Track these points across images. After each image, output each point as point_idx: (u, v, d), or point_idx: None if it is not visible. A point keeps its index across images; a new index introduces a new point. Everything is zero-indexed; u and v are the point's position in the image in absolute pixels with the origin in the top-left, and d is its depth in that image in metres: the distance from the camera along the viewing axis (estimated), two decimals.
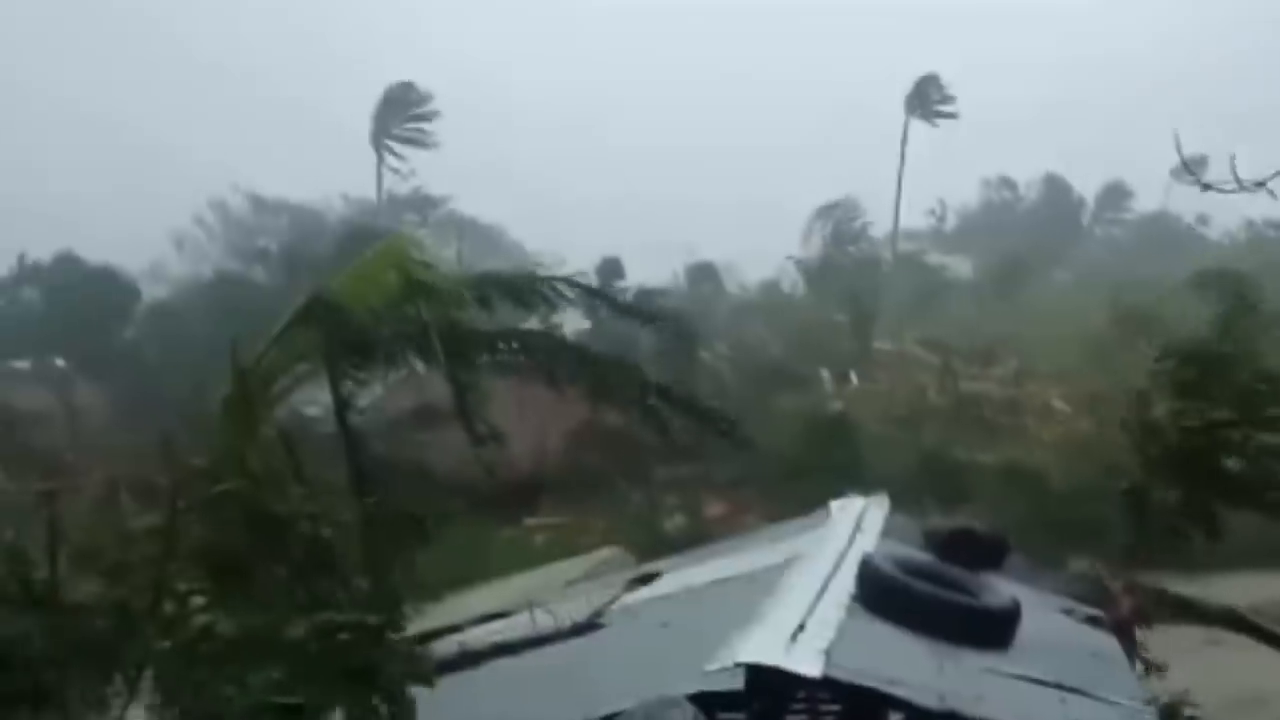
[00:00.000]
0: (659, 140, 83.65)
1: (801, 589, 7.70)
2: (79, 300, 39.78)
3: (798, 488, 17.94)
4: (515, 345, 9.93)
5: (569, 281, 10.65)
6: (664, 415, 10.25)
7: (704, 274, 54.37)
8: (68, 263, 42.58)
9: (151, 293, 46.09)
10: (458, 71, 79.89)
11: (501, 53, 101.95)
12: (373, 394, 26.21)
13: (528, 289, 10.19)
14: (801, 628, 6.69)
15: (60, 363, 35.06)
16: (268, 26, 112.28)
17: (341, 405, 8.81)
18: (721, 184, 77.64)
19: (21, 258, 43.66)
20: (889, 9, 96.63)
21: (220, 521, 6.43)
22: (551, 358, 10.43)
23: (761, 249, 56.33)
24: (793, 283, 56.20)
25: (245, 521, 6.41)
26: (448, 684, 6.25)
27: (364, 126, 63.27)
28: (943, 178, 70.72)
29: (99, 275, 41.87)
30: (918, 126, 68.20)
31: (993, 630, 7.56)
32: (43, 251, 44.00)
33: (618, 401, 10.57)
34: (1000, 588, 8.34)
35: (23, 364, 35.32)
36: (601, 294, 11.39)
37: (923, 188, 69.41)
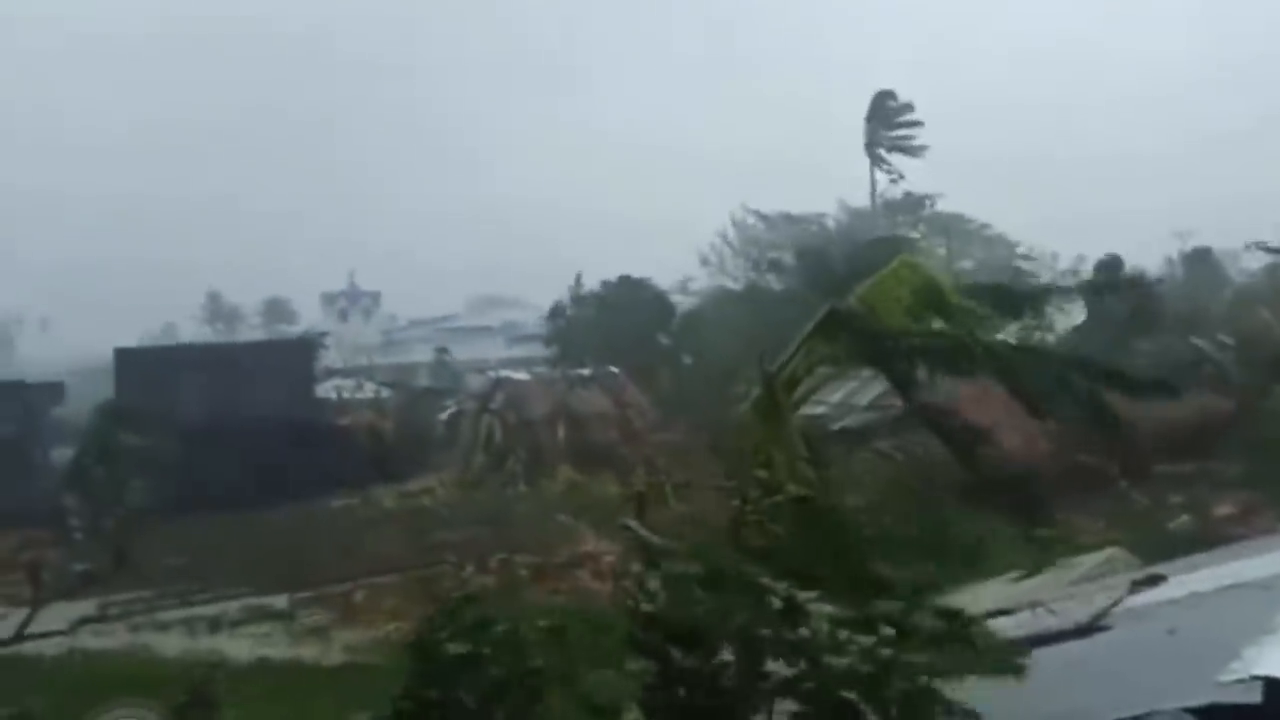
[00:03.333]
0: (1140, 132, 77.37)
1: None
2: (629, 314, 43.49)
3: None
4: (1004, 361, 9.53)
5: (1070, 291, 9.99)
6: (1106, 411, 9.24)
7: (1200, 260, 49.46)
8: (620, 282, 46.35)
9: (682, 304, 49.21)
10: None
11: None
12: (874, 392, 26.49)
13: (1028, 302, 9.75)
14: None
15: (614, 369, 38.21)
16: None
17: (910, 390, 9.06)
18: (1209, 169, 70.52)
19: (579, 277, 47.99)
20: None
21: (782, 524, 6.84)
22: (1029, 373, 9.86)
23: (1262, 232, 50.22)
24: None
25: (801, 525, 6.78)
26: None
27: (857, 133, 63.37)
28: None
29: (644, 291, 45.44)
30: None
31: None
32: (596, 273, 48.31)
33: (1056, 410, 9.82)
34: None
35: (585, 371, 38.93)
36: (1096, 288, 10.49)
37: None
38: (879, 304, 8.84)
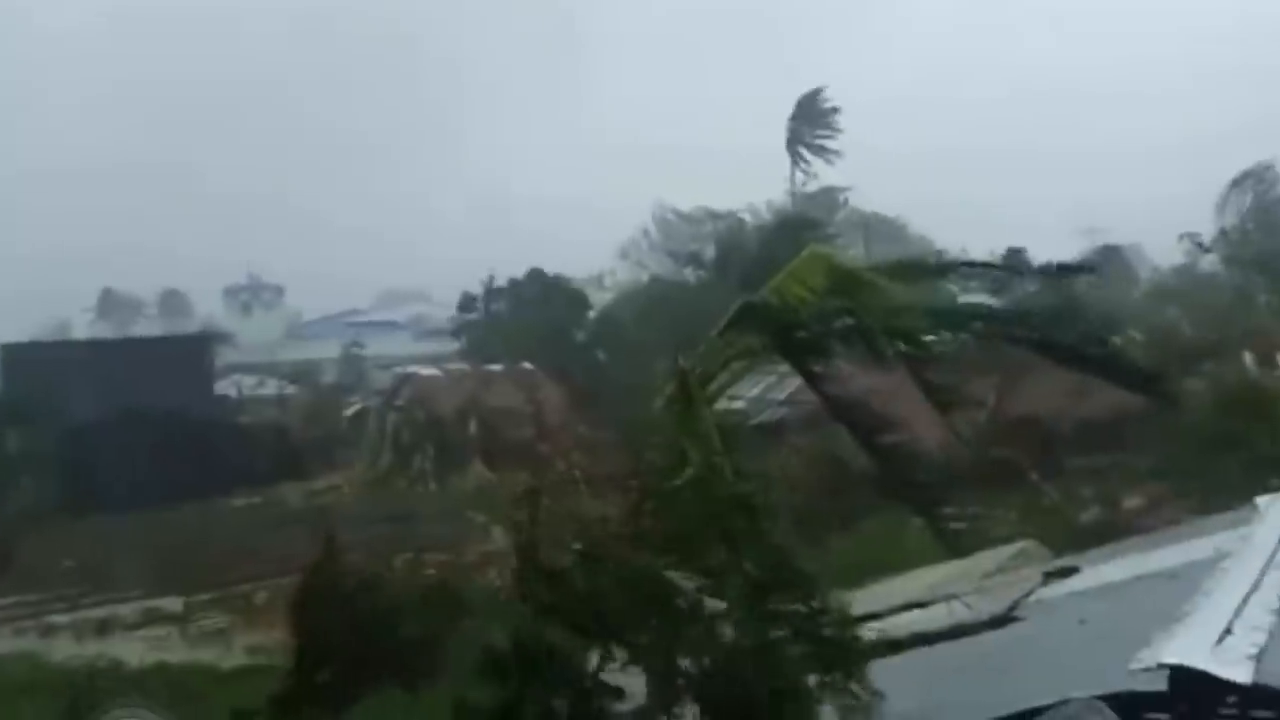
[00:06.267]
0: (1075, 130, 79.23)
1: (1228, 590, 7.07)
2: (541, 309, 43.27)
3: (1220, 480, 16.41)
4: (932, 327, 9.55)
5: (979, 264, 10.19)
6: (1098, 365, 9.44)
7: (1110, 257, 50.89)
8: (532, 277, 46.06)
9: (597, 299, 49.09)
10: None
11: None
12: (791, 387, 26.71)
13: (936, 272, 9.93)
14: (1229, 631, 6.17)
15: (527, 365, 37.99)
16: None
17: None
18: (1129, 170, 72.43)
19: (492, 275, 47.62)
20: None
21: (676, 512, 6.76)
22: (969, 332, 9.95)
23: (1171, 229, 51.74)
24: (1208, 262, 51.20)
25: (696, 511, 6.73)
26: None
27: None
28: None
29: (558, 286, 45.22)
30: None
31: None
32: (511, 265, 47.90)
33: (1060, 357, 9.92)
34: None
35: (497, 367, 38.64)
36: (998, 267, 10.70)
37: None
38: (790, 295, 8.85)
